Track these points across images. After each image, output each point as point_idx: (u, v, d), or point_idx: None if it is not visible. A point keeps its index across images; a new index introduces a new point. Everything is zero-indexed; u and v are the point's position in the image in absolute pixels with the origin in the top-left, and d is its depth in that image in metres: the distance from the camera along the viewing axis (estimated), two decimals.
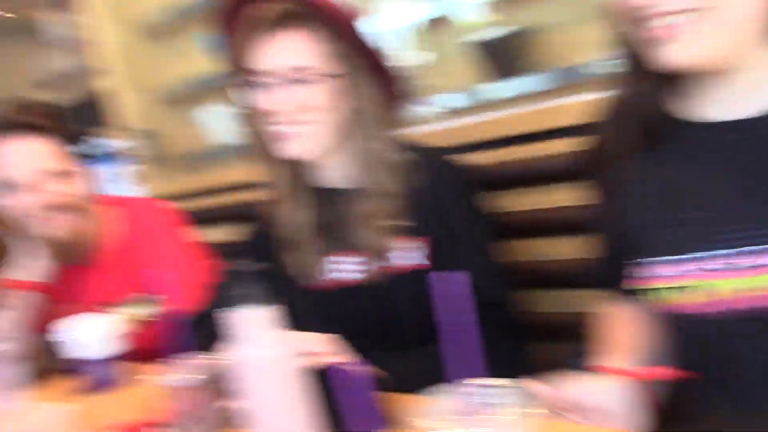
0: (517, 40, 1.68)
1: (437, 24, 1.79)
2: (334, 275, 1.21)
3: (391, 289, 1.17)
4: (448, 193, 1.19)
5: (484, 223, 1.23)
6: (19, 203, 1.44)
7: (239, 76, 1.15)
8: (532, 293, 1.46)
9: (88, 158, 1.59)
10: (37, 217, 1.44)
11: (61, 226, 1.46)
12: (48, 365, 1.41)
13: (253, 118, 1.17)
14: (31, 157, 1.44)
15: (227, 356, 0.82)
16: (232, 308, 0.78)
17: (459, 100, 1.77)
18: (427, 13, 1.78)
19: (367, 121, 1.16)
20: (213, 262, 1.62)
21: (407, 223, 1.16)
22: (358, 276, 1.19)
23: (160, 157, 2.37)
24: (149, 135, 2.32)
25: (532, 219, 1.48)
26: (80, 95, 2.78)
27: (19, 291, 1.51)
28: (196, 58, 2.30)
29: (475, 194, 1.25)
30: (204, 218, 1.95)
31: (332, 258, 1.22)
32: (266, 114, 1.14)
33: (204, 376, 0.92)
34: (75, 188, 1.49)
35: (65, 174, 1.47)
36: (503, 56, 1.71)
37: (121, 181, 2.53)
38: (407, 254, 1.17)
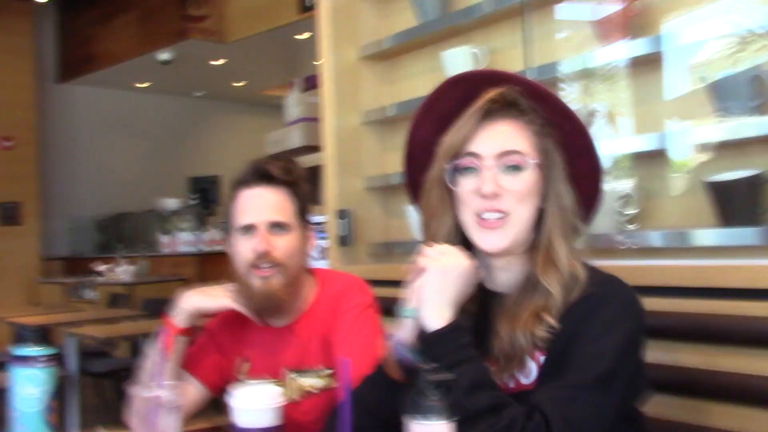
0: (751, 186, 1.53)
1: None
2: None
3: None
4: (595, 318, 1.09)
5: (622, 367, 1.08)
6: (245, 248, 1.50)
7: (451, 159, 1.17)
8: None
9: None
10: (251, 265, 1.49)
11: (269, 280, 1.49)
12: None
13: (453, 208, 1.18)
14: (265, 206, 1.52)
15: None
16: (420, 418, 0.73)
17: (668, 239, 1.62)
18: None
19: (558, 219, 1.15)
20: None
21: (547, 337, 1.09)
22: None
23: (350, 239, 2.42)
24: (344, 216, 2.38)
25: (727, 383, 1.35)
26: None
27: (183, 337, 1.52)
28: None
29: (635, 334, 1.12)
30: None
31: None
32: (473, 199, 1.15)
33: None
34: (291, 246, 1.53)
35: (287, 230, 1.53)
36: (734, 201, 1.56)
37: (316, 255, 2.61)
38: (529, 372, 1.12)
